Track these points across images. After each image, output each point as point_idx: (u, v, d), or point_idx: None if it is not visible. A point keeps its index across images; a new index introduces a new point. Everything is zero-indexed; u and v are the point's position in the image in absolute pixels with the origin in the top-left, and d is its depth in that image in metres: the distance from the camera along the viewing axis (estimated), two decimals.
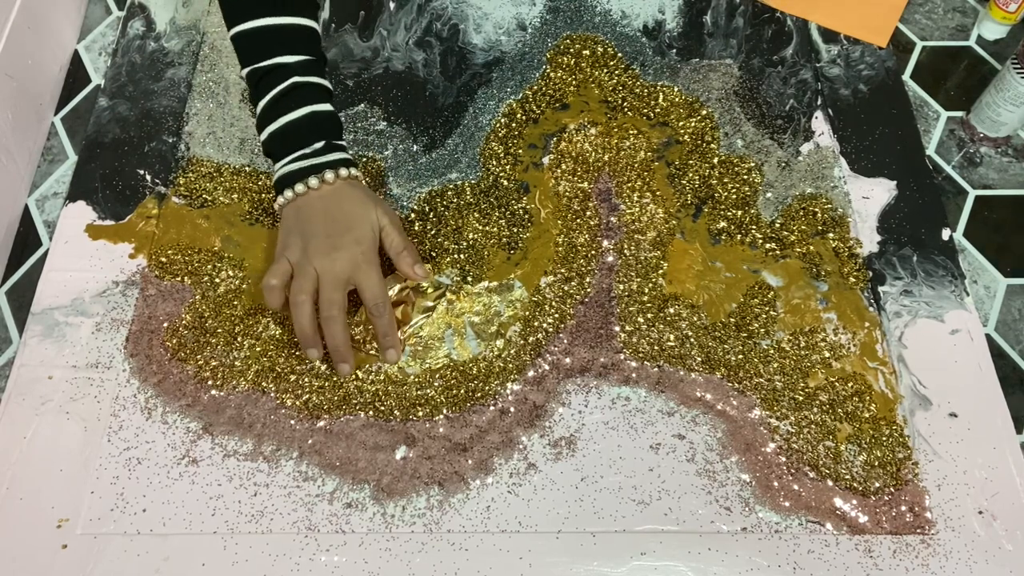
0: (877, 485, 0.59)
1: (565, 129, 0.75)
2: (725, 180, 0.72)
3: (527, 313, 0.66)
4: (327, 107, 0.65)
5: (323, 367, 0.63)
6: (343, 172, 0.63)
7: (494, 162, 0.73)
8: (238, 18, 0.65)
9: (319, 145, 0.63)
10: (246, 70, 0.65)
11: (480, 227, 0.70)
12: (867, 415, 0.61)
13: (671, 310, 0.66)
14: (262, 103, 0.64)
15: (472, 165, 0.73)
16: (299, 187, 0.62)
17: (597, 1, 0.83)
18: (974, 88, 0.77)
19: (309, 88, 0.64)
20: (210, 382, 0.63)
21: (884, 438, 0.60)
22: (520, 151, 0.74)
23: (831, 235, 0.69)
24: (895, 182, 0.72)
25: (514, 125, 0.75)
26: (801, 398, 0.62)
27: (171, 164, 0.73)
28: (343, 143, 0.66)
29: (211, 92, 0.77)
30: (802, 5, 0.83)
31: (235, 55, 0.66)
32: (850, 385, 0.63)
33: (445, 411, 0.62)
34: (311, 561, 0.56)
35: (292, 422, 0.61)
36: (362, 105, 0.77)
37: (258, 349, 0.64)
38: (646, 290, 0.67)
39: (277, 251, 0.63)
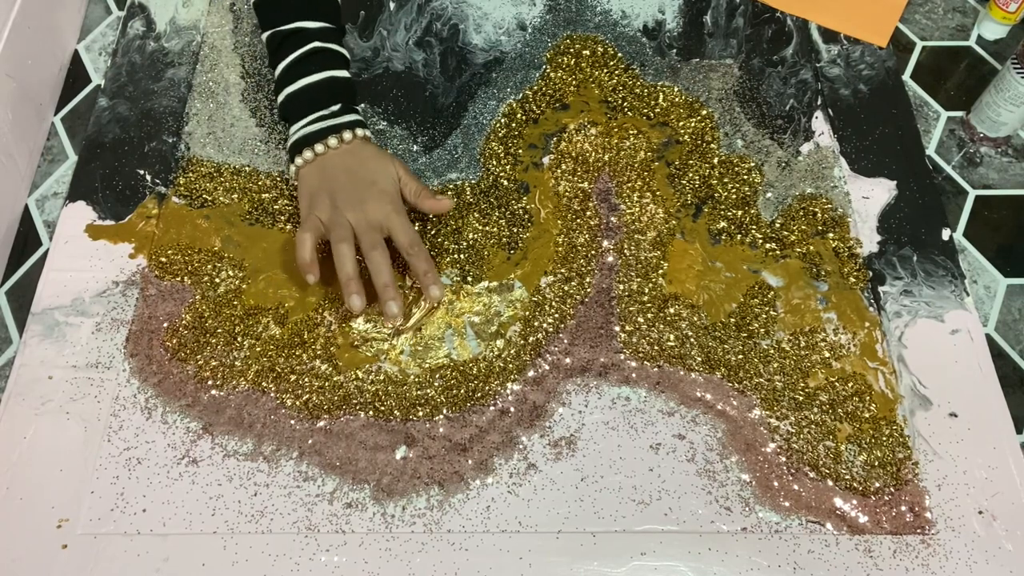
0: (877, 485, 0.59)
1: (565, 129, 0.75)
2: (725, 180, 0.72)
3: (527, 313, 0.66)
4: (344, 73, 0.68)
5: (323, 366, 0.63)
6: (359, 132, 0.66)
7: (494, 162, 0.73)
8: None
9: (336, 108, 0.66)
10: (266, 34, 0.69)
11: (480, 227, 0.70)
12: (867, 415, 0.61)
13: (671, 310, 0.66)
14: (282, 65, 0.67)
15: (472, 165, 0.73)
16: (319, 147, 0.65)
17: (597, 1, 0.83)
18: (974, 88, 0.77)
19: (328, 54, 0.68)
20: (210, 382, 0.63)
21: (884, 438, 0.60)
22: (520, 151, 0.74)
23: (831, 235, 0.69)
24: (895, 182, 0.72)
25: (514, 125, 0.75)
26: (801, 398, 0.62)
27: (171, 164, 0.73)
28: (357, 107, 0.69)
29: (211, 92, 0.77)
30: (802, 5, 0.83)
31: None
32: (850, 385, 0.63)
33: (445, 411, 0.62)
34: (311, 561, 0.56)
35: (292, 422, 0.61)
36: (362, 105, 0.77)
37: (258, 349, 0.64)
38: (646, 290, 0.67)
39: (303, 212, 0.65)
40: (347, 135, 0.65)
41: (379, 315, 0.65)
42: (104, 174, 0.73)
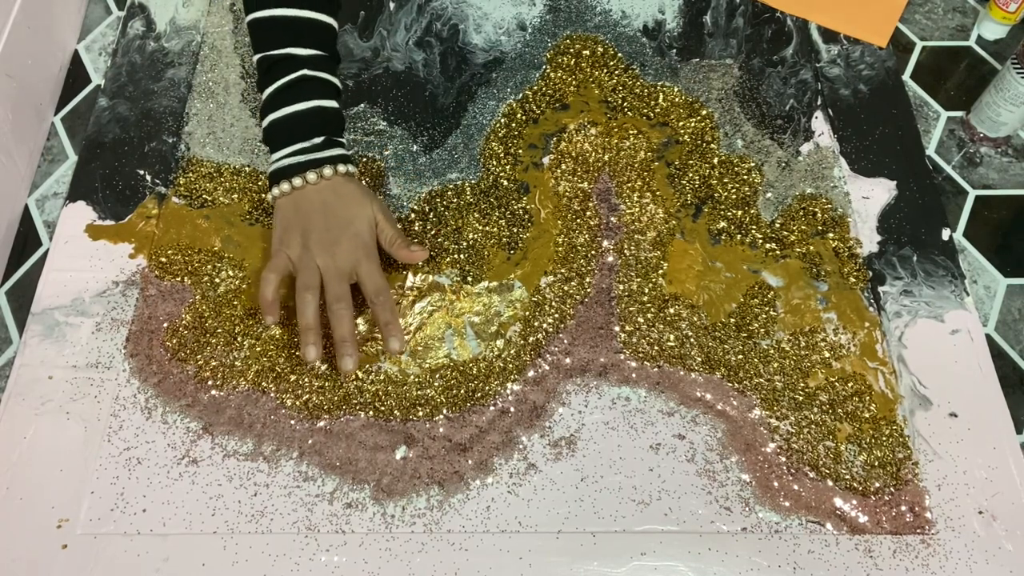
0: (877, 485, 0.59)
1: (565, 129, 0.75)
2: (725, 180, 0.72)
3: (527, 313, 0.66)
4: (333, 103, 0.66)
5: (323, 367, 0.63)
6: (340, 168, 0.63)
7: (494, 162, 0.73)
8: (258, 5, 0.66)
9: (318, 140, 0.64)
10: (257, 56, 0.66)
11: (480, 227, 0.70)
12: (867, 415, 0.61)
13: (671, 310, 0.66)
14: (268, 91, 0.65)
15: (472, 165, 0.73)
16: (296, 180, 0.62)
17: (597, 1, 0.83)
18: (974, 88, 0.77)
19: (317, 83, 0.65)
20: (210, 382, 0.63)
21: (884, 438, 0.60)
22: (520, 151, 0.74)
23: (831, 235, 0.69)
24: (895, 182, 0.72)
25: (514, 125, 0.75)
26: (801, 398, 0.62)
27: (171, 164, 0.73)
28: (343, 140, 0.66)
29: (211, 92, 0.77)
30: (802, 5, 0.83)
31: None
32: (850, 385, 0.63)
33: (445, 411, 0.62)
34: (311, 561, 0.56)
35: (292, 422, 0.61)
36: (362, 105, 0.77)
37: (258, 349, 0.64)
38: (646, 290, 0.67)
39: (274, 245, 0.63)
40: (327, 171, 0.62)
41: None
42: (104, 174, 0.73)
